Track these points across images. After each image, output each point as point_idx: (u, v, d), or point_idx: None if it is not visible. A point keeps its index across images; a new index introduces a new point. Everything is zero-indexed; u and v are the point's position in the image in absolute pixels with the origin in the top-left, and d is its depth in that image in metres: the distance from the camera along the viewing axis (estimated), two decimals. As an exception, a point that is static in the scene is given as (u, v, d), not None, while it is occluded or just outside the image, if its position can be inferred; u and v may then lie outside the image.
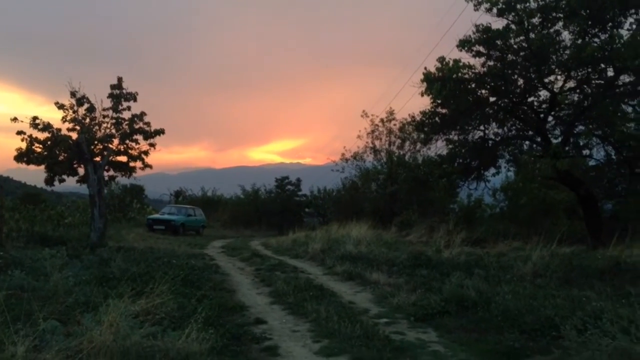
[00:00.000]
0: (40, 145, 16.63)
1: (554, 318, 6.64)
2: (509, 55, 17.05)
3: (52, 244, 14.24)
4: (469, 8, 16.96)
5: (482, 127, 18.86)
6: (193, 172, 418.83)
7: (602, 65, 15.91)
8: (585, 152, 18.51)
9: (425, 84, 17.32)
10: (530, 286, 9.16)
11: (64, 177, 17.37)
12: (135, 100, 17.85)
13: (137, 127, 17.92)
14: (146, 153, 18.37)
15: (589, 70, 16.32)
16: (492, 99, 18.14)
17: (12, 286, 7.83)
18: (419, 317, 7.72)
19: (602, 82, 16.40)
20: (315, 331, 6.94)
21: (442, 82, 16.63)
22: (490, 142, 18.90)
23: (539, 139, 18.36)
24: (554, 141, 17.65)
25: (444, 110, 18.42)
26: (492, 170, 19.57)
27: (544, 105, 18.15)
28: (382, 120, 31.80)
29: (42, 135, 16.65)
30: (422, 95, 17.64)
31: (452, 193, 23.50)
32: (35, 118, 16.52)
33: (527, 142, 19.34)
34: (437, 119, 18.67)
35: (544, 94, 17.95)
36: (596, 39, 15.94)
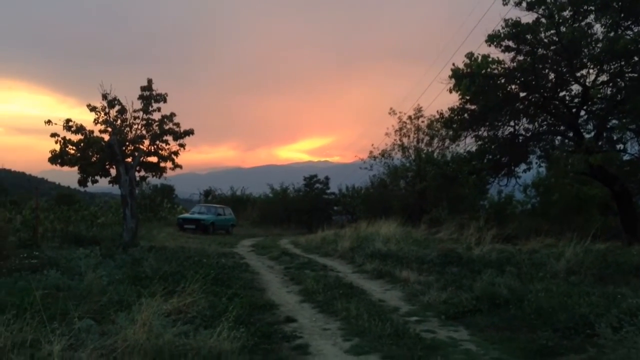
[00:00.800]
0: (74, 147, 16.88)
1: (588, 316, 6.52)
2: (540, 49, 16.80)
3: (86, 244, 14.53)
4: (497, 2, 16.91)
5: (512, 123, 18.62)
6: (222, 172, 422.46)
7: (636, 58, 15.57)
8: (619, 146, 18.12)
9: (453, 80, 17.17)
10: (563, 283, 9.01)
11: (97, 178, 17.61)
12: (165, 101, 18.04)
13: (167, 128, 18.11)
14: (176, 153, 18.55)
15: (622, 63, 15.98)
16: (522, 94, 17.90)
17: (48, 285, 7.99)
18: (450, 315, 7.65)
19: (636, 75, 16.04)
20: (346, 329, 6.94)
21: (470, 78, 16.47)
22: (520, 137, 18.65)
23: (571, 134, 18.05)
24: (587, 136, 17.34)
25: (472, 107, 18.24)
26: (523, 166, 19.30)
27: (576, 100, 17.84)
28: (410, 118, 31.62)
29: (76, 137, 16.89)
30: (450, 91, 17.49)
31: (482, 190, 23.23)
32: (68, 120, 16.78)
33: (558, 138, 19.03)
34: (465, 115, 18.49)
35: (575, 88, 17.65)
36: (629, 32, 15.61)
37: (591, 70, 16.91)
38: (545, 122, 18.79)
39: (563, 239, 13.58)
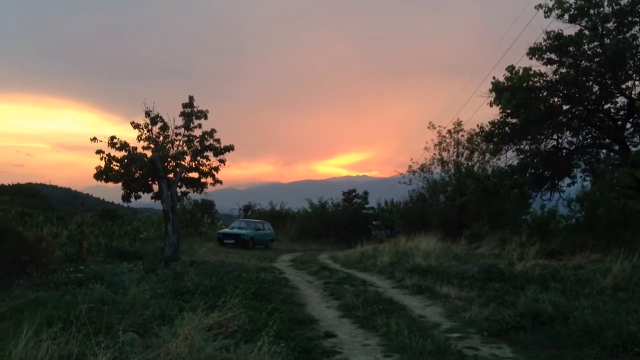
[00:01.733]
0: (118, 164, 17.25)
1: (637, 334, 6.34)
2: (583, 61, 16.53)
3: (129, 258, 14.80)
4: (539, 15, 16.63)
5: (555, 136, 18.33)
6: (261, 187, 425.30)
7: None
8: (668, 159, 17.60)
9: (494, 93, 17.03)
10: (610, 300, 8.77)
11: (140, 193, 17.94)
12: (205, 117, 18.33)
13: (207, 144, 18.38)
14: (216, 169, 18.80)
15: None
16: (565, 107, 17.62)
17: (93, 299, 8.17)
18: (492, 332, 7.52)
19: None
20: (386, 345, 6.88)
21: (511, 91, 16.31)
22: (564, 151, 18.32)
23: (616, 147, 17.64)
24: (633, 149, 16.92)
25: (513, 120, 18.04)
26: (567, 180, 18.94)
27: (621, 112, 17.46)
28: (449, 132, 31.41)
29: (119, 154, 17.27)
30: (490, 105, 17.34)
31: (524, 204, 22.82)
32: (112, 137, 17.17)
33: (603, 151, 18.64)
34: (506, 128, 18.29)
35: (621, 100, 17.28)
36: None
37: (637, 82, 16.55)
38: (589, 135, 18.43)
39: (609, 255, 13.21)
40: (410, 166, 33.25)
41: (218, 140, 18.55)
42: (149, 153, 17.57)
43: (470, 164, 30.77)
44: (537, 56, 16.77)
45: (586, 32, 16.12)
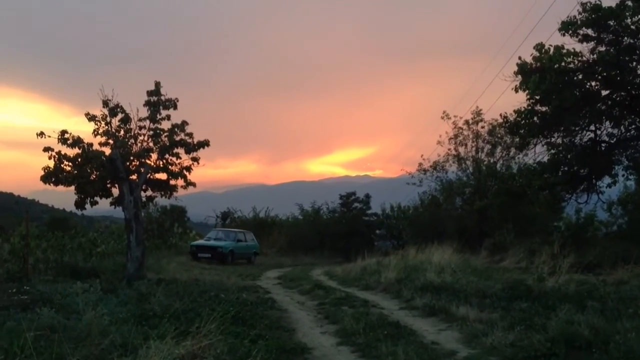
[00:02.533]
0: (70, 163, 17.09)
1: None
2: (625, 38, 16.61)
3: (84, 277, 14.76)
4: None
5: (592, 127, 18.42)
6: (242, 190, 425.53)
7: None
8: None
9: (520, 76, 17.09)
10: (659, 322, 8.81)
11: (96, 199, 17.89)
12: (175, 107, 18.32)
13: (177, 139, 18.38)
14: (188, 169, 18.80)
15: None
16: (604, 92, 17.71)
17: (40, 326, 8.13)
18: (518, 361, 7.55)
19: None
20: (392, 378, 6.90)
21: (540, 73, 16.38)
22: (603, 145, 18.41)
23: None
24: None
25: (543, 108, 18.11)
26: (607, 179, 19.03)
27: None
28: (467, 123, 31.53)
29: (72, 152, 17.13)
30: (516, 90, 17.41)
31: (556, 208, 22.93)
32: (63, 132, 17.02)
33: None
34: (535, 118, 18.36)
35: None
36: None
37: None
38: (633, 126, 18.51)
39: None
40: (420, 164, 33.41)
41: (190, 135, 18.56)
42: (107, 150, 17.54)
43: (491, 160, 30.91)
44: (570, 32, 16.85)
45: (629, 3, 16.20)
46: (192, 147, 18.55)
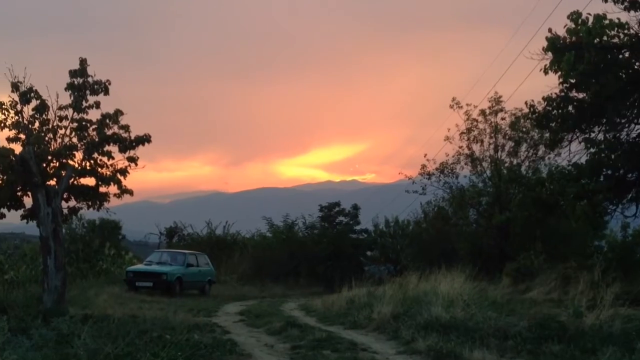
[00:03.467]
0: (-32, 165, 16.98)
1: None
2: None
3: (-13, 312, 14.57)
4: None
5: (643, 119, 18.53)
6: (194, 199, 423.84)
7: None
8: None
9: (550, 54, 17.15)
10: None
11: (3, 211, 17.73)
12: (106, 92, 18.20)
13: (109, 133, 18.26)
14: (124, 172, 18.68)
15: None
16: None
17: None
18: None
19: None
20: None
21: (576, 50, 16.45)
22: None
23: None
24: None
25: (580, 95, 18.20)
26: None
27: None
28: (483, 113, 31.51)
29: (-30, 150, 17.00)
30: (545, 72, 17.48)
31: (597, 223, 23.04)
32: (-41, 125, 16.93)
33: None
34: (570, 108, 18.44)
35: None
36: None
37: None
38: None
39: None
40: (423, 166, 33.32)
41: (126, 128, 18.46)
42: (17, 148, 17.37)
43: (515, 162, 30.98)
44: (615, -3, 16.96)
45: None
46: (128, 144, 18.44)
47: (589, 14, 16.69)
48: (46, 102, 17.83)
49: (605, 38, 16.63)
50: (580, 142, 19.31)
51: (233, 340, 14.29)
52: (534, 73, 19.48)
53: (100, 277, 30.37)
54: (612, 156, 18.67)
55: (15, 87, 17.55)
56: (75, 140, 18.14)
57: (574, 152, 20.27)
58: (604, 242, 26.57)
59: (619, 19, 16.83)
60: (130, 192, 19.02)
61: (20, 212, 18.04)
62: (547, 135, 20.52)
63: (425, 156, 34.06)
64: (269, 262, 39.67)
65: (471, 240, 30.61)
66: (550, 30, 17.29)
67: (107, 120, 18.24)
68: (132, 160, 18.73)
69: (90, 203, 19.00)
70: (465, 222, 32.85)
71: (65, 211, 18.70)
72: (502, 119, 31.16)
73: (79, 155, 18.21)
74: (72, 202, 18.90)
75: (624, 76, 17.19)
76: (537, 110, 19.72)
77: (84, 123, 18.17)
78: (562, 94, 18.36)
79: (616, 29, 16.77)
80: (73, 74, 18.06)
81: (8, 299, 17.13)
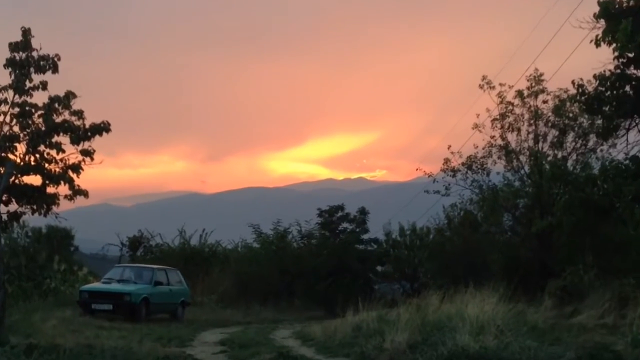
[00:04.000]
0: None
1: None
2: None
3: None
4: None
5: None
6: (164, 202, 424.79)
7: None
8: None
9: (602, 21, 17.13)
10: None
11: None
12: (55, 70, 18.21)
13: (59, 120, 18.27)
14: (76, 168, 18.70)
15: None
16: None
17: None
18: None
19: None
20: None
21: (635, 17, 16.43)
22: None
23: None
24: None
25: (640, 72, 18.18)
26: None
27: None
28: (519, 95, 31.48)
29: None
30: (596, 44, 17.46)
31: (663, 230, 23.06)
32: None
33: None
34: (627, 88, 18.43)
35: None
36: None
37: None
38: None
39: None
40: (447, 160, 33.29)
41: (80, 114, 18.47)
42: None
43: (559, 155, 30.95)
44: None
45: None
46: (82, 134, 18.47)
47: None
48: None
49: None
50: (640, 131, 19.33)
51: (212, 377, 14.30)
52: (583, 45, 19.45)
53: (48, 298, 30.34)
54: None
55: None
56: (16, 129, 18.16)
57: (632, 142, 20.26)
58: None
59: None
60: (85, 194, 19.03)
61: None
62: (599, 122, 20.48)
63: (449, 148, 34.04)
64: (256, 280, 39.65)
65: (506, 251, 30.60)
66: (602, -8, 17.28)
67: (56, 105, 18.26)
68: (87, 153, 18.75)
69: (35, 207, 19.02)
70: (498, 229, 32.85)
71: (5, 217, 18.70)
72: (544, 102, 31.14)
73: (21, 147, 18.26)
74: (13, 206, 18.91)
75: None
76: (586, 92, 19.71)
77: (27, 108, 18.19)
78: (618, 71, 18.34)
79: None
80: (14, 47, 18.06)
81: None
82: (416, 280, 38.40)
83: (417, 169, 34.99)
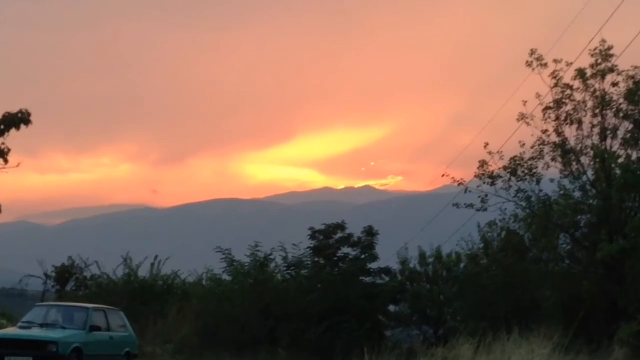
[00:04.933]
0: None
1: None
2: None
3: None
4: None
5: None
6: (103, 219, 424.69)
7: None
8: None
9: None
10: None
11: None
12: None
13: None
14: (-16, 174, 18.72)
15: None
16: None
17: None
18: None
19: None
20: None
21: None
22: None
23: None
24: None
25: None
26: None
27: None
28: (581, 75, 31.48)
29: None
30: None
31: None
32: None
33: None
34: None
35: None
36: None
37: None
38: None
39: None
40: (484, 163, 33.30)
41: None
42: None
43: (635, 156, 30.92)
44: None
45: None
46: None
47: None
48: None
49: None
50: None
51: None
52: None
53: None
54: None
55: None
56: None
57: None
58: None
59: None
60: (-3, 209, 19.05)
61: None
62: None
63: (485, 147, 33.96)
64: (228, 324, 39.64)
65: (562, 286, 30.68)
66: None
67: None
68: (1, 155, 18.77)
69: None
70: (552, 256, 32.93)
71: None
72: (614, 84, 31.13)
73: None
74: None
75: None
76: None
77: None
78: None
79: None
80: None
81: None
82: (442, 325, 38.48)
83: (443, 175, 35.07)
